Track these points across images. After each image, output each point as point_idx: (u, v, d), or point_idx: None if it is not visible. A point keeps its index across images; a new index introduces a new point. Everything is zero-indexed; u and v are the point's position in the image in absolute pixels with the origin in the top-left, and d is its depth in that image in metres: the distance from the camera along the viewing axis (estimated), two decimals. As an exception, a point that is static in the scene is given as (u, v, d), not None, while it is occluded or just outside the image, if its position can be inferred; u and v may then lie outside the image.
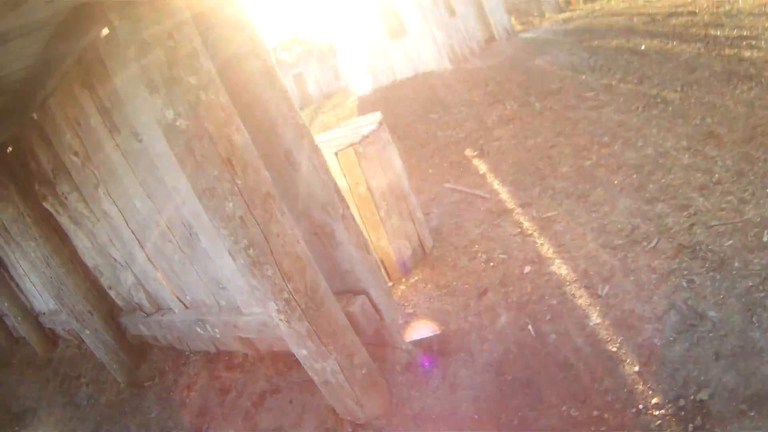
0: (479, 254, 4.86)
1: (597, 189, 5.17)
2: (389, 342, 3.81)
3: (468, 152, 7.66)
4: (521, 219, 5.21)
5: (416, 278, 4.92)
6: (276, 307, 2.89)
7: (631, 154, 5.63)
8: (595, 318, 3.51)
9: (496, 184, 6.26)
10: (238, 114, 2.75)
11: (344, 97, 15.71)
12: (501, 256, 4.69)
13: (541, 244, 4.62)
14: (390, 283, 5.01)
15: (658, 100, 6.82)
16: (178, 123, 2.45)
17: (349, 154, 4.53)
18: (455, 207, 6.09)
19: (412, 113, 10.43)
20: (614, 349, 3.20)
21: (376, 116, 5.16)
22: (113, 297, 5.84)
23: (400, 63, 13.25)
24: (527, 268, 4.37)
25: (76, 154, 4.25)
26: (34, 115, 4.55)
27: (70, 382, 7.35)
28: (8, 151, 5.33)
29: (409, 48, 13.14)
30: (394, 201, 4.81)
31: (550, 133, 7.12)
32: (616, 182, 5.15)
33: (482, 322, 3.98)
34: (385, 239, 4.83)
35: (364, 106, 12.53)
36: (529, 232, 4.91)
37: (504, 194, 5.94)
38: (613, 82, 8.27)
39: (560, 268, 4.18)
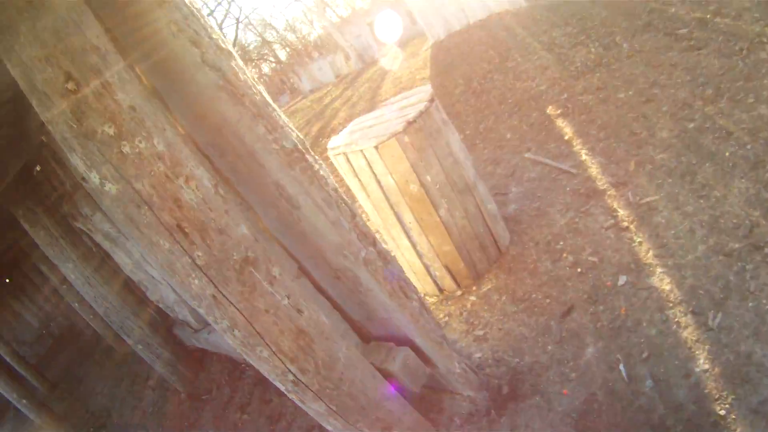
0: (564, 255, 4.10)
1: (705, 164, 4.21)
2: (447, 387, 3.08)
3: (550, 110, 6.61)
4: (615, 204, 4.34)
5: (489, 286, 4.18)
6: (284, 388, 2.35)
7: (741, 114, 4.53)
8: (702, 361, 2.76)
9: (584, 154, 5.30)
10: (210, 143, 2.31)
11: (420, 44, 14.69)
12: (590, 258, 3.90)
13: (639, 243, 3.78)
14: (459, 292, 4.32)
15: (764, 39, 5.45)
16: (107, 188, 1.89)
17: (392, 147, 3.81)
18: (537, 185, 5.20)
19: (488, 62, 9.37)
20: (722, 413, 2.48)
21: (426, 91, 4.36)
22: (164, 309, 5.40)
23: (473, 4, 12.09)
24: (622, 279, 3.57)
25: (83, 178, 3.70)
26: (43, 138, 4.03)
27: (140, 384, 7.16)
28: (36, 170, 4.92)
29: (480, -13, 11.95)
30: (456, 196, 4.03)
31: (644, 83, 6.00)
32: (727, 154, 4.15)
33: (564, 354, 3.31)
34: (448, 243, 4.06)
35: (438, 55, 11.54)
36: (625, 223, 4.05)
37: (593, 168, 5.01)
38: (707, 16, 6.86)
39: (662, 282, 3.37)
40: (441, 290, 4.51)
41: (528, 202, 5.04)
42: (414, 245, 4.29)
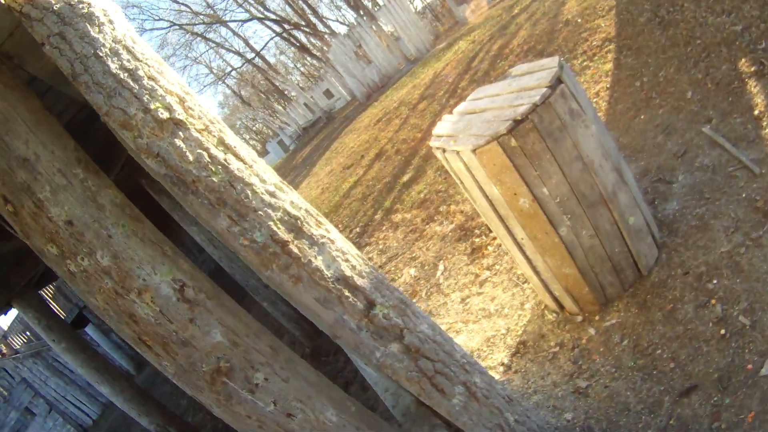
0: (713, 302, 3.26)
1: None
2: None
3: (743, 65, 5.15)
4: None
5: (614, 320, 3.55)
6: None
7: None
8: None
9: None
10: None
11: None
12: (741, 319, 3.05)
13: None
14: (579, 317, 3.69)
15: None
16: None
17: (493, 153, 3.19)
18: (708, 179, 4.25)
19: (681, -19, 7.65)
20: None
21: (551, 67, 3.44)
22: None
23: None
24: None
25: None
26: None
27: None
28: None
29: None
30: (585, 211, 3.36)
31: None
32: None
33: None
34: (571, 266, 3.43)
35: None
36: None
37: None
38: None
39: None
40: (561, 308, 3.85)
41: (693, 201, 4.08)
42: (529, 261, 3.66)
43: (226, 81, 44.57)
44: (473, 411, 2.37)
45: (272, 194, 1.99)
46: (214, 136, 1.99)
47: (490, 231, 5.80)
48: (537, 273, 3.74)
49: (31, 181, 1.66)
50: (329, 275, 2.02)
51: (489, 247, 5.60)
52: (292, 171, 22.37)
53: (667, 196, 4.31)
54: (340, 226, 9.78)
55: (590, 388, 3.24)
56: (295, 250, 1.96)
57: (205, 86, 49.35)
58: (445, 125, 3.86)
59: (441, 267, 6.03)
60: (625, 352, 3.29)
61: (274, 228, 1.96)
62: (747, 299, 3.10)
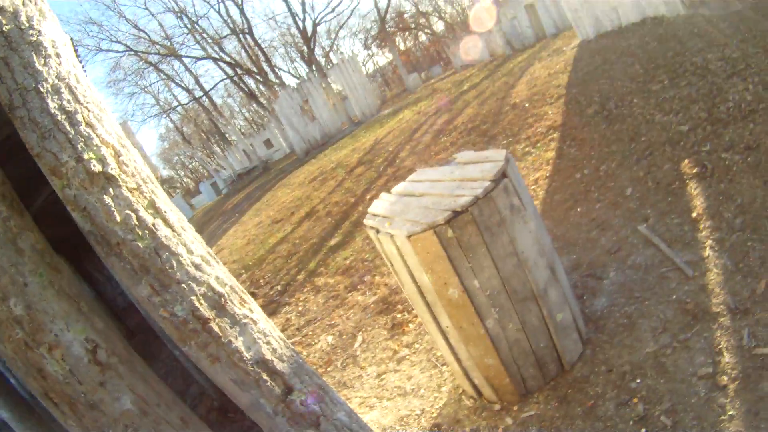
0: (635, 401, 3.24)
1: None
2: None
3: (686, 165, 5.37)
4: (722, 342, 3.35)
5: (533, 411, 3.49)
6: None
7: None
8: None
9: (709, 246, 4.29)
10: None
11: (570, 39, 13.51)
12: (663, 419, 3.04)
13: (729, 419, 2.85)
14: (497, 406, 3.57)
15: None
16: None
17: (428, 241, 3.11)
18: (640, 278, 4.32)
19: (631, 79, 8.16)
20: None
21: (497, 160, 3.46)
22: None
23: (625, 5, 10.96)
24: None
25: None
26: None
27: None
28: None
29: (636, -14, 10.72)
30: (514, 305, 3.30)
31: (816, 166, 4.77)
32: None
33: None
34: (493, 357, 3.35)
35: (581, 58, 10.46)
36: (724, 379, 3.10)
37: (714, 274, 3.99)
38: None
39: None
40: (480, 394, 3.76)
41: (623, 300, 4.13)
42: (451, 348, 3.56)
43: (170, 115, 44.06)
44: None
45: (198, 267, 1.86)
46: (146, 197, 1.87)
47: (413, 308, 5.72)
48: (458, 360, 3.66)
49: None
50: (248, 357, 1.90)
51: (410, 324, 5.50)
52: (221, 216, 21.91)
53: (596, 292, 4.35)
54: (261, 281, 9.49)
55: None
56: (216, 329, 1.84)
57: (149, 117, 48.60)
58: (381, 204, 3.80)
59: (359, 338, 5.86)
60: (543, 449, 3.22)
61: (197, 303, 1.85)
62: (670, 400, 3.10)
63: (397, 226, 3.21)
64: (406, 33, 37.26)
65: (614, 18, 11.09)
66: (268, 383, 1.93)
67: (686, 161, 5.48)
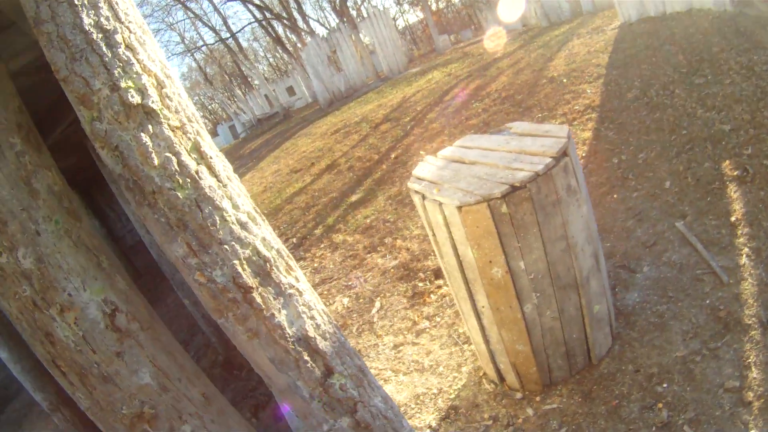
0: (659, 406, 3.14)
1: None
2: None
3: (726, 166, 5.13)
4: (752, 357, 3.22)
5: (555, 404, 3.38)
6: None
7: None
8: None
9: (746, 254, 4.13)
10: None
11: (610, 18, 13.08)
12: (687, 429, 2.94)
13: None
14: (519, 395, 3.46)
15: None
16: None
17: (480, 215, 2.94)
18: (674, 277, 4.18)
19: (674, 68, 7.84)
20: None
21: (559, 136, 3.27)
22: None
23: None
24: None
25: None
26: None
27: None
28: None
29: (686, -25, 10.20)
30: (555, 292, 3.14)
31: None
32: None
33: None
34: (525, 343, 3.23)
35: (623, 40, 10.10)
36: (750, 396, 2.98)
37: (749, 283, 3.82)
38: None
39: None
40: (502, 380, 3.61)
41: (655, 297, 3.99)
42: (483, 329, 3.40)
43: (194, 54, 43.48)
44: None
45: (243, 225, 1.63)
46: (190, 138, 1.61)
47: (436, 278, 5.55)
48: (487, 341, 3.53)
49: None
50: (291, 334, 1.68)
51: (432, 296, 5.36)
52: (237, 160, 21.72)
53: (628, 286, 4.21)
54: (276, 232, 9.33)
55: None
56: (258, 300, 1.61)
57: (173, 54, 48.02)
58: (428, 168, 3.61)
59: (377, 304, 5.75)
60: (563, 443, 3.10)
61: (239, 269, 1.60)
62: (694, 410, 3.02)
63: (447, 195, 3.04)
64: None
65: (659, 3, 10.68)
66: (309, 364, 1.73)
67: (727, 162, 5.26)
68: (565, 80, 9.04)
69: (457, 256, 3.23)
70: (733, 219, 4.50)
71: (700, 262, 4.18)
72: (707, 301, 3.76)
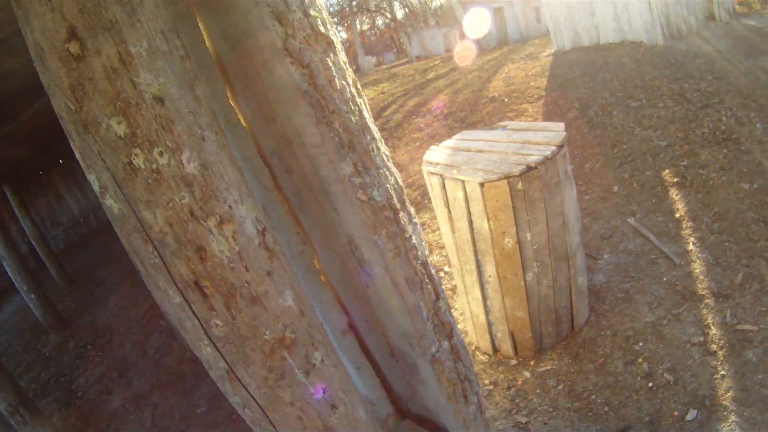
0: (640, 360, 3.70)
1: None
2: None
3: (666, 174, 5.87)
4: (709, 318, 3.89)
5: (548, 366, 3.82)
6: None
7: None
8: None
9: (692, 243, 4.83)
10: (275, 153, 1.65)
11: (541, 47, 13.95)
12: (666, 376, 3.50)
13: (722, 377, 3.37)
14: (514, 361, 3.93)
15: None
16: (107, 203, 1.24)
17: (500, 190, 3.41)
18: (632, 261, 4.79)
19: (611, 92, 8.66)
20: None
21: (558, 130, 3.88)
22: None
23: (607, 25, 11.45)
24: (692, 414, 3.18)
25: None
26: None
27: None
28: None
29: (620, 10, 11.26)
30: (551, 262, 3.65)
31: (774, 181, 5.50)
32: None
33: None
34: (524, 310, 3.66)
35: (559, 66, 10.87)
36: (713, 347, 3.62)
37: (697, 265, 4.54)
38: None
39: (732, 432, 3.09)
40: (496, 351, 4.02)
41: (618, 278, 4.53)
42: (485, 299, 3.84)
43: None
44: (478, 424, 2.39)
45: (388, 158, 1.87)
46: (350, 75, 1.73)
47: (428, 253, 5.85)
48: (487, 313, 3.93)
49: (126, 25, 1.15)
50: (419, 256, 1.91)
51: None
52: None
53: (593, 270, 4.79)
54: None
55: (530, 423, 3.50)
56: (403, 221, 1.80)
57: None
58: (438, 155, 4.02)
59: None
60: (561, 395, 3.59)
61: (391, 191, 1.77)
62: (670, 361, 3.61)
63: (469, 174, 3.47)
64: (365, 15, 36.89)
65: (594, 35, 11.55)
66: (429, 286, 1.89)
67: (667, 171, 6.03)
68: (506, 99, 9.69)
69: (471, 229, 3.67)
70: (677, 216, 5.21)
71: (653, 249, 4.82)
72: (665, 279, 4.40)
